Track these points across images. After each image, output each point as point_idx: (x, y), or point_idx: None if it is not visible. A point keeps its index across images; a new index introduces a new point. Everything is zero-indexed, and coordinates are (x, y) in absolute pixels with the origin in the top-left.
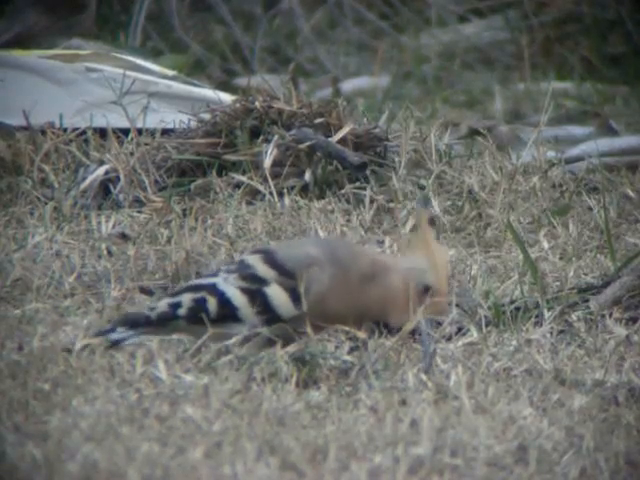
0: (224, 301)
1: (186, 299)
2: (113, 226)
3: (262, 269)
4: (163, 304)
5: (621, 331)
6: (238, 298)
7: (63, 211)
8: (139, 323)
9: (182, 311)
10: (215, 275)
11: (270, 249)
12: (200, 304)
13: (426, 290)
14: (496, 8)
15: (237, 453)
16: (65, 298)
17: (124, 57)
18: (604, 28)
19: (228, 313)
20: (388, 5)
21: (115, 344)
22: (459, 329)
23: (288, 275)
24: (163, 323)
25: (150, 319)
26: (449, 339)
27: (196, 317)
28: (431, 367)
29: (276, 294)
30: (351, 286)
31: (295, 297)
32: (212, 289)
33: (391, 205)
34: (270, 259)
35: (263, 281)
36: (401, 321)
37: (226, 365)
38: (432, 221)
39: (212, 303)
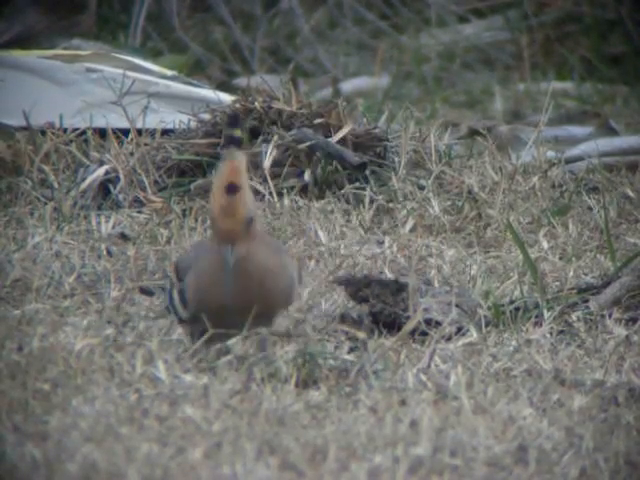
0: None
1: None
2: (113, 226)
3: (173, 273)
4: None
5: (621, 331)
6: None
7: (63, 211)
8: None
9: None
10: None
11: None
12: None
13: (231, 189)
14: (496, 8)
15: (237, 453)
16: (65, 298)
17: (124, 57)
18: (604, 28)
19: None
20: (388, 5)
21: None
22: (459, 329)
23: (179, 279)
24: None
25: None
26: (449, 339)
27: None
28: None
29: (175, 297)
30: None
31: (182, 299)
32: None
33: (391, 205)
34: (175, 262)
35: (172, 284)
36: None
37: (226, 365)
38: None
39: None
